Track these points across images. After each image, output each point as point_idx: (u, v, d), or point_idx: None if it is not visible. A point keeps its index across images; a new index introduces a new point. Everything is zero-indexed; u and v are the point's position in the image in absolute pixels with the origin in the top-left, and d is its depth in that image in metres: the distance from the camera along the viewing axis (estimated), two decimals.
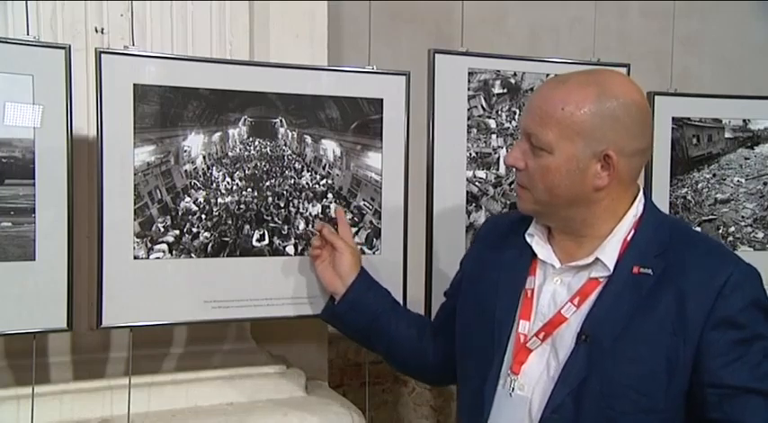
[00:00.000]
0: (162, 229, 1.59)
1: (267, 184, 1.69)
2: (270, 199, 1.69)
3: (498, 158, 1.90)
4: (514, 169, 1.36)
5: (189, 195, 1.62)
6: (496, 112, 1.89)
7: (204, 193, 1.63)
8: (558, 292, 1.33)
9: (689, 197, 2.10)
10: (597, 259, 1.30)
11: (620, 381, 1.24)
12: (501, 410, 1.33)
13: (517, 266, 1.39)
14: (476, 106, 1.87)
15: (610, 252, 1.30)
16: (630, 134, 1.27)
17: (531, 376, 1.31)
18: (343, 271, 1.63)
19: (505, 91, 1.90)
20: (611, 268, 1.29)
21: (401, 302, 1.76)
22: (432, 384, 1.71)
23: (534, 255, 1.37)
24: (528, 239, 1.39)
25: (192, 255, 1.62)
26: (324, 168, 1.73)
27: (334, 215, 1.72)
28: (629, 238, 1.31)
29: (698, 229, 2.10)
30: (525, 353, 1.32)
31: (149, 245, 1.58)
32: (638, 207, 1.33)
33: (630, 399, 1.23)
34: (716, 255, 1.30)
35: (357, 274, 1.63)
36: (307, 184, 1.72)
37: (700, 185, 2.11)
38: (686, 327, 1.22)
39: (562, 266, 1.34)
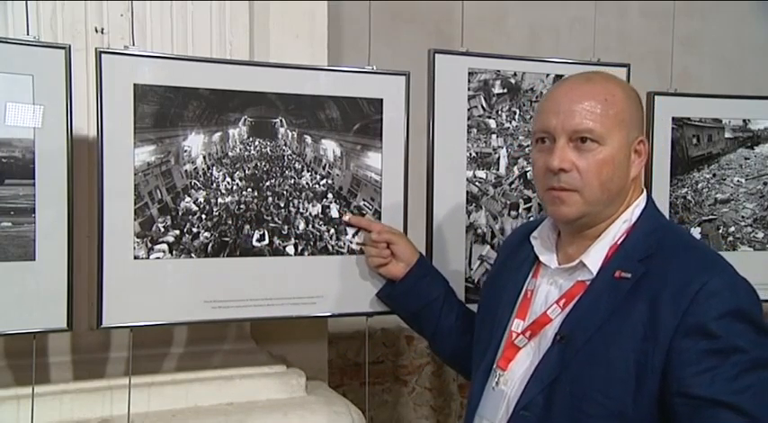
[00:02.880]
0: (162, 229, 1.59)
1: (267, 184, 1.69)
2: (270, 199, 1.69)
3: (498, 158, 1.90)
4: (557, 174, 1.30)
5: (189, 195, 1.62)
6: (496, 112, 1.89)
7: (204, 193, 1.63)
8: (551, 293, 1.35)
9: (689, 197, 2.10)
10: (582, 263, 1.31)
11: (589, 383, 1.24)
12: (485, 403, 1.37)
13: (522, 268, 1.43)
14: (476, 106, 1.87)
15: (594, 255, 1.31)
16: (642, 122, 1.36)
17: (516, 372, 1.34)
18: (406, 257, 1.69)
19: (505, 91, 1.90)
20: (595, 272, 1.30)
21: None
22: (468, 379, 1.74)
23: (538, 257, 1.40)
24: (532, 241, 1.41)
25: (193, 255, 1.62)
26: (324, 168, 1.73)
27: (347, 221, 1.74)
28: (619, 243, 1.31)
29: (698, 229, 2.10)
30: (513, 350, 1.35)
31: (149, 245, 1.58)
32: (633, 212, 1.34)
33: (598, 402, 1.23)
34: (701, 263, 1.26)
35: (417, 260, 1.69)
36: (307, 184, 1.72)
37: (700, 185, 2.11)
38: (657, 332, 1.20)
39: (556, 268, 1.36)
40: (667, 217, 2.05)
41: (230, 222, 1.65)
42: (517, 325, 1.37)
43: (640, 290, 1.25)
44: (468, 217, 1.88)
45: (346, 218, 1.74)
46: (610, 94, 1.30)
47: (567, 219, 1.33)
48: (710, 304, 1.19)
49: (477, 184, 1.89)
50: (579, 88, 1.31)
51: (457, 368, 1.80)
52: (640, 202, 1.35)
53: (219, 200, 1.64)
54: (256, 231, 1.68)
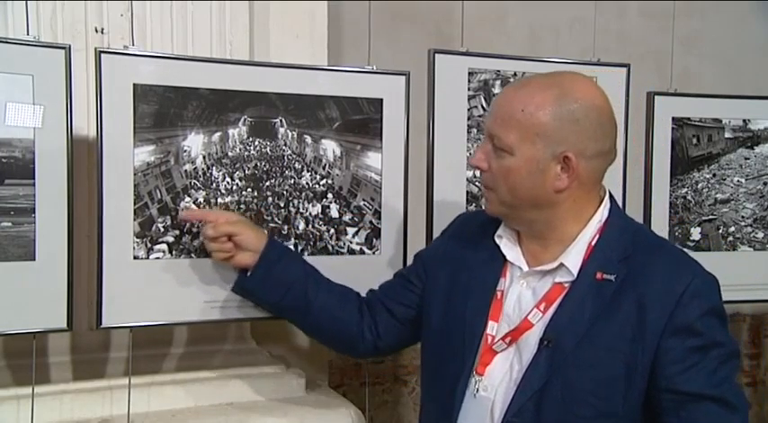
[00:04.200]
0: (162, 229, 1.59)
1: (267, 184, 1.69)
2: (270, 199, 1.69)
3: None
4: (480, 171, 1.37)
5: (189, 195, 1.62)
6: None
7: (204, 193, 1.63)
8: (523, 295, 1.34)
9: (689, 197, 2.10)
10: (562, 264, 1.31)
11: (580, 386, 1.25)
12: (466, 411, 1.34)
13: (489, 268, 1.40)
14: (476, 106, 1.87)
15: (574, 257, 1.31)
16: (590, 137, 1.28)
17: (495, 378, 1.32)
18: (252, 245, 1.54)
19: None
20: (575, 273, 1.30)
21: None
22: (357, 357, 1.68)
23: (506, 256, 1.38)
24: (497, 241, 1.40)
25: (192, 255, 1.62)
26: (324, 168, 1.73)
27: (181, 217, 1.59)
28: (593, 243, 1.31)
29: (698, 229, 2.10)
30: (491, 355, 1.34)
31: (149, 245, 1.58)
32: (603, 212, 1.34)
33: (590, 404, 1.24)
34: (677, 263, 1.31)
35: (265, 246, 1.54)
36: (307, 184, 1.72)
37: (700, 185, 2.11)
38: (645, 333, 1.24)
39: (528, 270, 1.35)
40: (667, 217, 2.07)
41: None
42: (492, 327, 1.35)
43: (625, 291, 1.26)
44: None
45: (181, 214, 1.58)
46: (533, 104, 1.26)
47: (490, 213, 1.40)
48: (695, 304, 1.24)
49: (477, 184, 1.89)
50: (512, 93, 1.32)
51: (343, 349, 1.68)
52: (606, 202, 1.36)
53: (219, 200, 1.64)
54: None
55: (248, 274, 1.56)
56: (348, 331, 1.57)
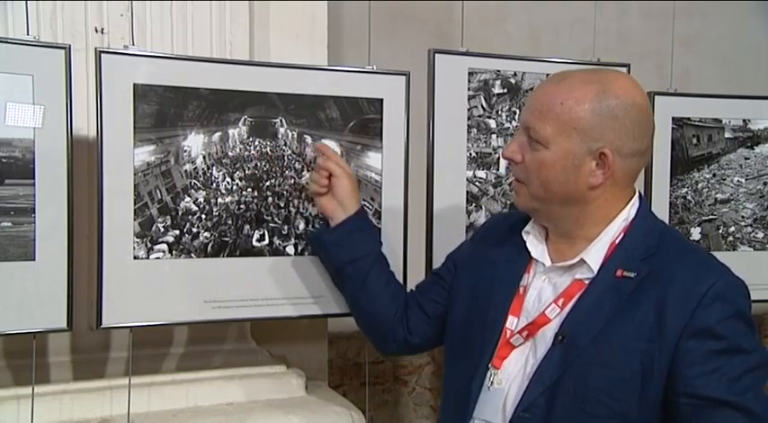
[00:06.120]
0: (162, 229, 1.59)
1: (267, 184, 1.69)
2: (270, 199, 1.69)
3: (498, 158, 1.90)
4: (511, 163, 1.37)
5: (189, 195, 1.62)
6: (496, 112, 1.89)
7: (204, 193, 1.63)
8: (544, 290, 1.34)
9: (689, 197, 2.10)
10: (582, 261, 1.30)
11: (593, 383, 1.23)
12: (482, 403, 1.34)
13: (514, 264, 1.40)
14: (476, 106, 1.87)
15: (595, 254, 1.30)
16: (628, 134, 1.27)
17: (510, 371, 1.32)
18: (342, 197, 1.60)
19: (505, 91, 1.90)
20: (596, 270, 1.29)
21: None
22: (383, 351, 1.71)
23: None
24: (524, 236, 1.40)
25: (192, 255, 1.62)
26: None
27: (315, 153, 1.68)
28: (617, 242, 1.31)
29: (698, 229, 2.10)
30: (508, 349, 1.34)
31: (149, 245, 1.58)
32: (630, 211, 1.33)
33: (603, 403, 1.23)
34: (702, 265, 1.28)
35: (356, 211, 1.61)
36: (307, 183, 1.72)
37: (700, 185, 2.11)
38: (663, 334, 1.21)
39: (550, 266, 1.35)
40: (667, 217, 2.06)
41: (230, 222, 1.65)
42: (512, 322, 1.35)
43: (645, 290, 1.24)
44: (468, 217, 1.88)
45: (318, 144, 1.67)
46: (572, 99, 1.26)
47: (520, 208, 1.39)
48: (717, 307, 1.21)
49: (477, 184, 1.89)
50: (551, 86, 1.31)
51: (375, 339, 1.69)
52: (635, 202, 1.35)
53: (219, 200, 1.64)
54: (256, 231, 1.68)
55: (330, 229, 1.62)
56: (385, 322, 1.60)
